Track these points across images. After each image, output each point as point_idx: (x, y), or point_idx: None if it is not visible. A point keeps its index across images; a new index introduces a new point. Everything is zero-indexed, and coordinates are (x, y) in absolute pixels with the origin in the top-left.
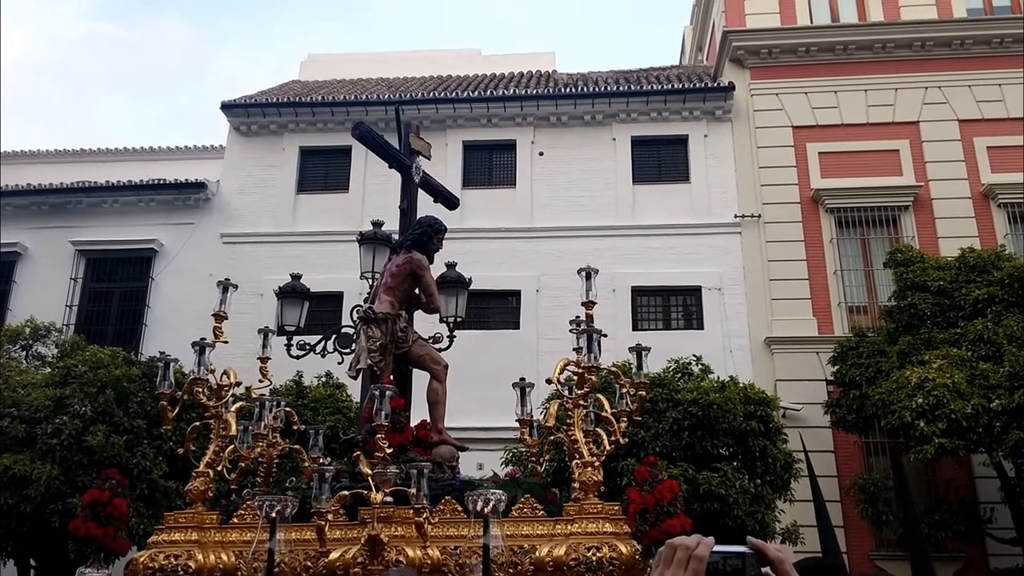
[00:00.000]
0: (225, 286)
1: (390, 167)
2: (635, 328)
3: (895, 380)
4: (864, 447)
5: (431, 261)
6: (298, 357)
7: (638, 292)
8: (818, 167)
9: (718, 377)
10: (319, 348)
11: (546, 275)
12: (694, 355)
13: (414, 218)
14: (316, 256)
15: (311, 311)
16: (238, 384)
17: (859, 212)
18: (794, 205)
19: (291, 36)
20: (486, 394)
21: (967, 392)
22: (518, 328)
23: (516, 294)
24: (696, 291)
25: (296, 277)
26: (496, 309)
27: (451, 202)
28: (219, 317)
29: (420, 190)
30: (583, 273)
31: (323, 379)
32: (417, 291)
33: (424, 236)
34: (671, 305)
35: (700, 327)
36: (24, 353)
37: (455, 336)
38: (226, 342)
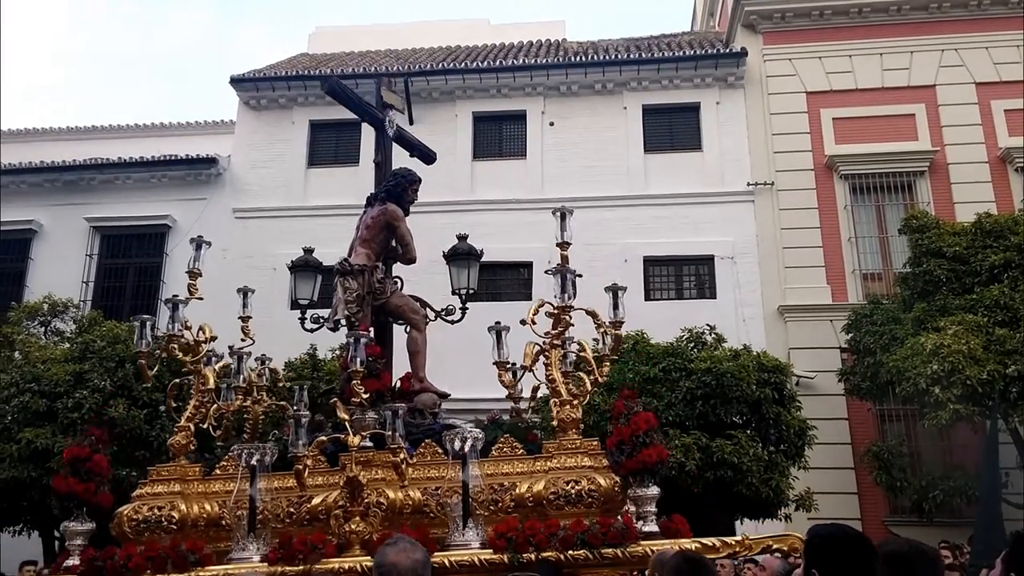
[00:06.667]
0: (198, 243)
1: (362, 121)
2: (647, 298)
3: (910, 347)
4: (878, 414)
5: (406, 213)
6: (312, 330)
7: (650, 262)
8: (832, 133)
9: (731, 346)
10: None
11: None
12: (707, 324)
13: (388, 172)
14: (328, 229)
15: (324, 284)
16: (214, 339)
17: (874, 178)
18: (808, 172)
19: (307, 11)
20: None
21: (983, 358)
22: (531, 299)
23: (528, 265)
24: (709, 260)
25: (308, 251)
26: (508, 280)
27: (428, 156)
28: (193, 274)
29: (395, 144)
30: (557, 213)
31: (337, 352)
32: (393, 243)
33: (398, 188)
34: (683, 275)
35: (713, 296)
36: (43, 329)
37: (467, 308)
38: (200, 298)
